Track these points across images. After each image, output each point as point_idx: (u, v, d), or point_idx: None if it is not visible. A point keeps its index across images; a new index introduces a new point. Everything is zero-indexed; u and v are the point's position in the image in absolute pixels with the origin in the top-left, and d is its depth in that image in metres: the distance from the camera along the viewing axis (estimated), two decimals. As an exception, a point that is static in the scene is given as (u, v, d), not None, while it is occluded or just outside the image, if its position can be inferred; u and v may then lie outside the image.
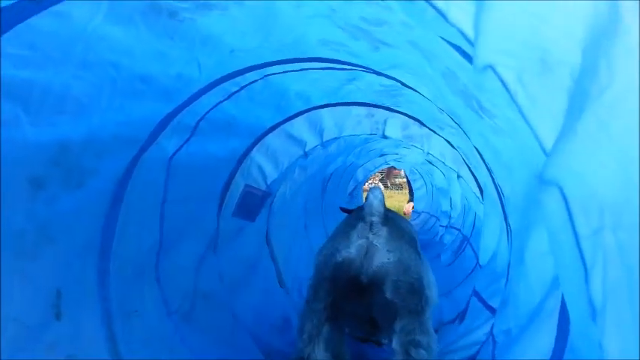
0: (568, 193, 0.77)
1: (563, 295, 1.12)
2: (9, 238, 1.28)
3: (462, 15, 0.95)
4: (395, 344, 1.55)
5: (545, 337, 1.23)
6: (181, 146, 1.89)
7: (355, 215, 1.82)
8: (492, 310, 2.01)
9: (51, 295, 1.44)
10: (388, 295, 1.59)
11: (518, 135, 0.99)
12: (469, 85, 1.22)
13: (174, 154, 1.89)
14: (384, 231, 1.67)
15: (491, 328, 1.83)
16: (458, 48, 1.09)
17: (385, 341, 1.83)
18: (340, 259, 1.66)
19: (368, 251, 1.65)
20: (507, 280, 1.78)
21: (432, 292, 1.76)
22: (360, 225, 1.68)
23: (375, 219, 1.67)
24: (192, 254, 2.12)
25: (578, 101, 0.74)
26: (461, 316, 2.48)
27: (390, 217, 1.76)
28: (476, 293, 2.32)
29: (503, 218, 1.93)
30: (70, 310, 1.46)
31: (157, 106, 1.67)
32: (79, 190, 1.48)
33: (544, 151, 0.90)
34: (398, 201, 9.17)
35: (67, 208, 1.47)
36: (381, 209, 1.67)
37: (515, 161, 1.20)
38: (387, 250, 1.65)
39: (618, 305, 0.71)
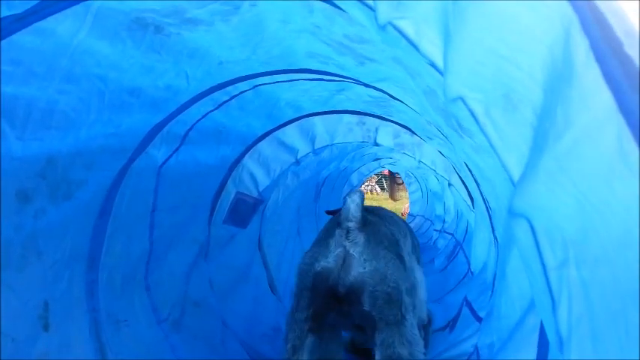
0: (535, 225, 0.79)
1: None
2: (-3, 251, 1.28)
3: (432, 48, 0.98)
4: (377, 357, 1.53)
5: (525, 354, 1.24)
6: (171, 155, 1.90)
7: (334, 220, 1.76)
8: (481, 321, 2.02)
9: (38, 307, 1.45)
10: (366, 306, 1.56)
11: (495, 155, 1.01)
12: (447, 104, 1.24)
13: (163, 163, 1.90)
14: (361, 238, 1.62)
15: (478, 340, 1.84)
16: (435, 66, 1.11)
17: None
18: (319, 268, 1.62)
19: (345, 261, 1.60)
20: (492, 292, 1.79)
21: (415, 296, 1.73)
22: (338, 232, 1.63)
23: (351, 225, 1.61)
24: (182, 262, 2.13)
25: (541, 140, 0.76)
26: (451, 325, 2.49)
27: (370, 221, 1.70)
28: (467, 303, 2.34)
29: (491, 229, 1.94)
30: (59, 321, 1.48)
31: (146, 117, 1.68)
32: (66, 202, 1.49)
33: (512, 181, 0.92)
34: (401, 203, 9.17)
35: (55, 220, 1.47)
36: (358, 214, 1.61)
37: (496, 178, 1.21)
38: (364, 260, 1.60)
39: (581, 339, 0.72)
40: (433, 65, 1.03)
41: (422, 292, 1.81)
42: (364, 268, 1.59)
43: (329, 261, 1.61)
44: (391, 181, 7.92)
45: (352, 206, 1.60)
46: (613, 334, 0.67)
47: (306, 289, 1.64)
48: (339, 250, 1.61)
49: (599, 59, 0.61)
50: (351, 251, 1.60)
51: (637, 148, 0.57)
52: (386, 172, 8.47)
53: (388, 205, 7.68)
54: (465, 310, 2.23)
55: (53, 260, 1.50)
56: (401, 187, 7.89)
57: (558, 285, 0.78)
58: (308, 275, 1.64)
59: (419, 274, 1.87)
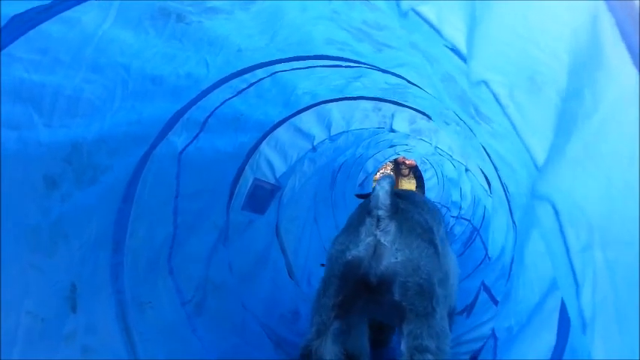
0: (559, 208, 0.79)
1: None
2: (25, 234, 1.33)
3: (455, 32, 0.98)
4: (402, 347, 1.51)
5: (545, 336, 1.24)
6: (191, 142, 1.93)
7: (364, 207, 1.71)
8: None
9: (66, 289, 1.49)
10: (397, 297, 1.54)
11: (516, 139, 1.02)
12: (467, 91, 1.24)
13: (183, 149, 1.93)
14: (392, 226, 1.57)
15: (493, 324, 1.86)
16: (457, 52, 1.11)
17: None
18: (350, 257, 1.60)
19: (376, 250, 1.57)
20: (509, 276, 1.80)
21: (447, 287, 1.70)
22: (368, 220, 1.59)
23: (381, 213, 1.56)
24: (203, 246, 2.17)
25: (566, 122, 0.76)
26: (469, 309, 2.51)
27: (402, 208, 1.66)
28: (485, 287, 2.35)
29: (509, 214, 1.94)
30: (85, 302, 1.52)
31: (167, 105, 1.71)
32: (91, 186, 1.53)
33: (535, 163, 0.93)
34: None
35: (80, 204, 1.52)
36: (388, 201, 1.56)
37: (516, 163, 1.21)
38: (396, 249, 1.56)
39: (606, 321, 0.73)
40: (455, 50, 1.03)
41: (454, 280, 1.77)
42: (396, 258, 1.56)
43: (360, 250, 1.58)
44: (396, 172, 7.87)
45: (381, 193, 1.56)
46: (638, 315, 0.68)
47: (336, 276, 1.62)
48: (370, 239, 1.58)
49: (625, 37, 0.62)
50: (382, 240, 1.57)
51: None
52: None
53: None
54: (483, 295, 2.24)
55: (79, 244, 1.55)
56: (405, 178, 7.86)
57: (582, 267, 0.79)
58: (338, 263, 1.62)
59: (452, 261, 1.83)
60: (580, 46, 0.74)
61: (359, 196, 2.09)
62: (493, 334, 1.71)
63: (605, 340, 0.74)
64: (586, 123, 0.69)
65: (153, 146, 1.77)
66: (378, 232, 1.57)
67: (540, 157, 0.96)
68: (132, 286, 1.73)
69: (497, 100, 1.03)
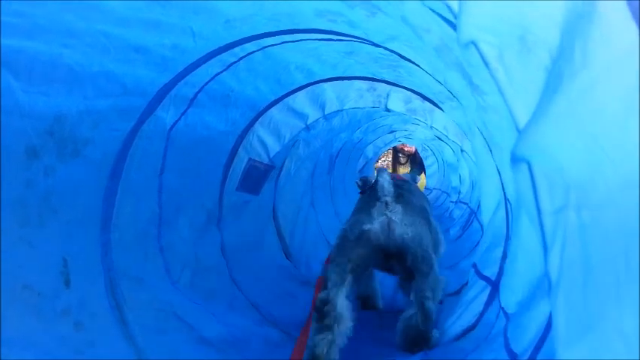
0: (535, 169, 0.78)
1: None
2: (10, 206, 1.31)
3: None
4: (412, 297, 1.93)
5: (543, 307, 1.23)
6: (179, 118, 1.91)
7: (370, 195, 2.05)
8: (487, 280, 2.02)
9: (58, 263, 1.48)
10: (408, 263, 1.94)
11: (505, 113, 0.99)
12: (461, 59, 1.21)
13: (172, 125, 1.90)
14: (398, 208, 1.95)
15: (498, 301, 1.83)
16: (448, 21, 1.09)
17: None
18: (366, 228, 1.93)
19: (389, 226, 1.93)
20: (506, 252, 1.78)
21: (438, 251, 2.12)
22: (378, 204, 1.94)
23: (388, 198, 1.93)
24: (192, 226, 2.15)
25: (553, 82, 0.73)
26: (460, 290, 2.48)
27: (401, 194, 2.01)
28: (473, 264, 2.32)
29: (502, 190, 1.91)
30: (77, 278, 1.51)
31: (153, 76, 1.68)
32: (74, 160, 1.50)
33: (517, 129, 0.90)
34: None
35: (65, 178, 1.50)
36: (391, 189, 1.95)
37: (503, 138, 1.19)
38: (405, 225, 1.93)
39: (571, 283, 0.72)
40: (450, 10, 1.00)
41: (441, 247, 2.20)
42: (408, 233, 1.93)
43: (374, 225, 1.93)
44: (394, 160, 7.92)
45: (385, 184, 1.94)
46: (609, 276, 0.66)
47: (350, 241, 1.95)
48: (383, 217, 1.93)
49: None
50: (393, 218, 1.93)
51: None
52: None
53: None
54: (472, 272, 2.22)
55: (68, 218, 1.53)
56: (403, 165, 7.89)
57: (553, 230, 0.77)
58: (353, 232, 1.95)
59: (440, 231, 2.24)
60: (575, 3, 0.71)
61: (362, 191, 2.29)
62: (503, 312, 1.68)
63: (567, 302, 0.72)
64: (573, 80, 0.66)
65: (140, 121, 1.75)
66: (388, 213, 1.93)
67: (523, 121, 0.93)
68: (122, 263, 1.71)
69: (485, 63, 1.00)
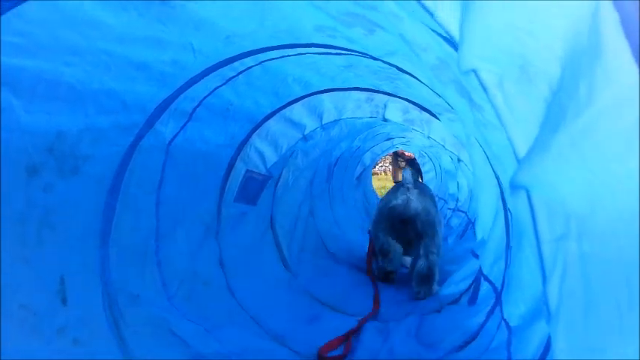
0: (534, 198, 0.79)
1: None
2: (10, 225, 1.31)
3: (449, 16, 0.97)
4: (421, 252, 2.83)
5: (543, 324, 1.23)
6: (179, 132, 1.91)
7: (399, 185, 3.12)
8: (493, 287, 2.03)
9: (55, 282, 1.47)
10: (419, 227, 2.87)
11: (502, 129, 1.00)
12: (460, 77, 1.22)
13: (172, 139, 1.91)
14: (415, 191, 2.94)
15: (501, 313, 1.84)
16: (446, 39, 1.09)
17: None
18: (393, 204, 2.96)
19: (408, 202, 2.91)
20: (508, 263, 1.79)
21: (440, 225, 3.00)
22: (401, 189, 2.98)
23: (409, 185, 2.95)
24: (190, 240, 2.15)
25: (555, 116, 0.74)
26: (472, 297, 2.48)
27: (418, 185, 3.09)
28: (485, 277, 2.33)
29: (501, 200, 1.92)
30: (75, 295, 1.50)
31: (153, 92, 1.68)
32: (74, 176, 1.50)
33: (516, 156, 0.91)
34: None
35: (65, 195, 1.50)
36: (411, 179, 2.98)
37: (503, 153, 1.20)
38: (417, 201, 2.91)
39: (572, 313, 0.72)
40: (446, 38, 1.02)
41: (442, 225, 3.10)
42: (418, 206, 2.90)
43: (398, 202, 2.95)
44: (394, 163, 7.96)
45: (407, 177, 2.98)
46: (611, 307, 0.67)
47: (384, 215, 3.03)
48: (404, 196, 2.93)
49: (629, 35, 0.60)
50: (411, 197, 2.92)
51: None
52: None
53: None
54: (485, 284, 2.23)
55: (67, 236, 1.53)
56: (402, 170, 7.93)
57: (552, 258, 0.79)
58: (386, 209, 3.02)
59: (440, 215, 3.17)
60: (578, 39, 0.71)
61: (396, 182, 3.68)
62: (505, 324, 1.69)
63: (568, 332, 0.73)
64: (577, 117, 0.67)
65: (139, 136, 1.75)
66: (408, 194, 2.93)
67: (522, 149, 0.95)
68: (119, 279, 1.71)
69: (484, 89, 1.01)
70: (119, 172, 1.71)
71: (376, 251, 3.14)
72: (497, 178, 1.85)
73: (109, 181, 1.68)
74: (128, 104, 1.58)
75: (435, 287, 2.80)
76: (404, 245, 3.06)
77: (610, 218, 0.69)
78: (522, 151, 0.93)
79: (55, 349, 1.40)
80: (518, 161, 0.93)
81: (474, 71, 0.97)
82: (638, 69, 0.59)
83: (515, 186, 0.86)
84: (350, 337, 2.22)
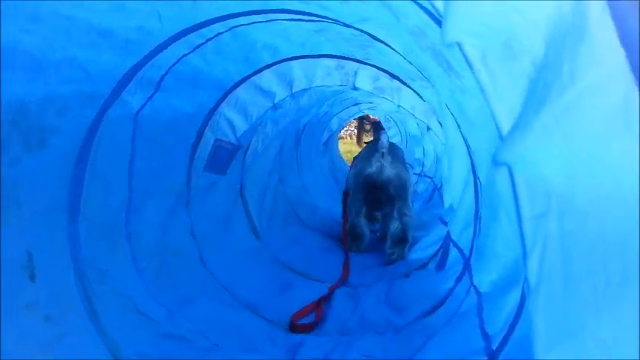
0: (517, 175, 0.80)
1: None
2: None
3: None
4: (395, 214, 2.99)
5: (514, 293, 1.27)
6: (147, 102, 1.84)
7: (371, 146, 3.20)
8: (462, 253, 2.09)
9: (22, 258, 1.43)
10: (392, 191, 3.01)
11: (480, 97, 1.00)
12: (438, 45, 1.21)
13: (139, 110, 1.84)
14: (389, 158, 3.01)
15: (470, 279, 1.90)
16: (426, 9, 1.08)
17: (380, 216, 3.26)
18: (368, 172, 3.03)
19: (381, 169, 3.01)
20: (478, 231, 1.83)
21: (410, 188, 3.14)
22: (376, 154, 3.01)
23: (384, 150, 2.99)
24: (160, 211, 2.11)
25: (538, 93, 0.75)
26: (440, 264, 2.55)
27: (391, 149, 3.06)
28: (454, 243, 2.38)
29: (470, 170, 1.95)
30: (45, 271, 1.45)
31: (118, 60, 1.61)
32: (41, 150, 1.44)
33: (499, 132, 0.92)
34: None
35: (31, 169, 1.43)
36: (387, 144, 3.02)
37: (478, 120, 1.21)
38: (391, 168, 3.00)
39: (552, 289, 0.74)
40: (427, 10, 1.00)
41: (411, 187, 3.21)
42: (392, 173, 3.01)
43: (373, 169, 3.02)
44: (359, 128, 7.94)
45: (384, 140, 3.00)
46: (589, 285, 0.69)
47: (360, 184, 3.10)
48: (378, 163, 3.01)
49: (616, 17, 0.60)
50: (385, 164, 3.00)
51: None
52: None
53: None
54: (454, 250, 2.29)
55: (33, 211, 1.47)
56: (367, 133, 7.95)
57: (533, 234, 0.80)
58: (361, 176, 3.08)
59: (411, 177, 3.32)
60: (563, 19, 0.71)
61: (365, 143, 3.66)
62: (474, 290, 1.74)
63: (548, 308, 0.75)
64: (560, 95, 0.67)
65: (106, 106, 1.67)
66: (382, 160, 3.01)
67: (505, 125, 0.95)
68: (90, 254, 1.66)
69: (468, 63, 1.00)
70: (86, 145, 1.64)
71: (347, 229, 3.20)
72: (468, 147, 1.87)
73: (75, 153, 1.61)
74: (92, 73, 1.51)
75: (407, 249, 2.94)
76: (376, 209, 3.17)
77: (589, 198, 0.70)
78: (505, 125, 0.94)
79: (25, 325, 1.37)
80: (501, 137, 0.94)
81: (458, 44, 0.97)
82: (624, 52, 0.60)
83: (497, 162, 0.87)
84: (321, 304, 2.25)
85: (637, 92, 0.57)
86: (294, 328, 2.03)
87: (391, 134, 6.81)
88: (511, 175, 0.84)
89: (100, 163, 1.70)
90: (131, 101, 1.75)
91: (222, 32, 1.89)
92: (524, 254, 0.81)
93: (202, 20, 1.76)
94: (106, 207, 1.77)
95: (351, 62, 2.63)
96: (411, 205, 3.06)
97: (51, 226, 1.54)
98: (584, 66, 0.65)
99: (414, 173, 5.38)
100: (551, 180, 0.76)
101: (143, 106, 1.81)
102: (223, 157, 2.63)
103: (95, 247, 1.69)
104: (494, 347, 1.35)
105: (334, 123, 5.41)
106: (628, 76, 0.58)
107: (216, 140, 2.50)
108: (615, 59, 0.60)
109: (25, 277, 1.43)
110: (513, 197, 0.84)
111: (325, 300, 2.31)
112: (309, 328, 2.04)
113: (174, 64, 1.85)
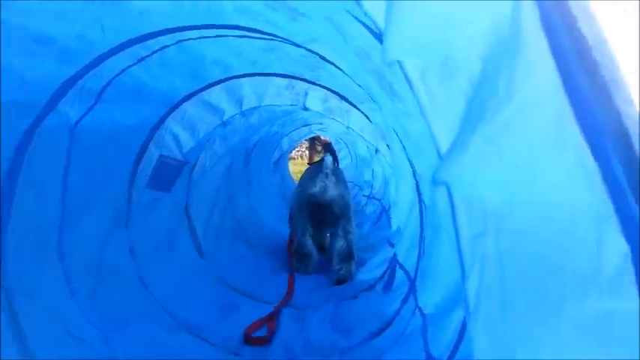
0: (455, 196, 0.80)
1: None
2: None
3: (375, 6, 0.95)
4: (340, 232, 3.02)
5: (457, 314, 1.28)
6: (85, 113, 1.76)
7: (315, 168, 3.25)
8: (407, 275, 2.10)
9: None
10: (336, 210, 3.06)
11: (422, 120, 1.01)
12: (381, 67, 1.22)
13: (77, 121, 1.76)
14: (332, 178, 3.07)
15: (415, 301, 1.90)
16: (370, 30, 1.08)
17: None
18: (312, 192, 3.08)
19: (325, 189, 3.06)
20: (422, 253, 1.85)
21: (352, 208, 3.19)
22: (320, 175, 3.06)
23: (328, 171, 3.05)
24: (97, 228, 2.01)
25: (475, 113, 0.75)
26: (387, 285, 2.56)
27: (334, 171, 3.13)
28: (400, 264, 2.40)
29: (416, 192, 1.98)
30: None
31: (56, 69, 1.54)
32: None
33: (438, 151, 0.93)
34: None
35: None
36: (331, 167, 3.07)
37: (422, 142, 1.22)
38: (335, 188, 3.07)
39: (490, 310, 0.74)
40: (370, 29, 1.01)
41: (353, 207, 3.25)
42: (335, 193, 3.06)
43: (316, 189, 3.06)
44: (310, 148, 7.98)
45: (328, 161, 3.05)
46: (526, 303, 0.69)
47: (304, 203, 3.13)
48: (322, 183, 3.06)
49: (549, 32, 0.60)
50: (328, 184, 3.06)
51: (576, 126, 0.57)
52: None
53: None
54: (399, 272, 2.30)
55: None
56: (319, 154, 8.03)
57: (471, 255, 0.80)
58: (304, 196, 3.12)
59: (350, 198, 3.32)
60: (500, 35, 0.72)
61: (310, 164, 3.83)
62: (419, 312, 1.74)
63: (487, 330, 0.75)
64: (496, 114, 0.68)
65: (41, 116, 1.59)
66: (326, 180, 3.06)
67: (444, 145, 0.96)
68: (18, 272, 1.56)
69: (408, 81, 1.01)
70: (17, 155, 1.55)
71: (292, 249, 3.20)
72: (414, 169, 1.90)
73: (8, 164, 1.52)
74: (27, 81, 1.43)
75: (354, 267, 2.96)
76: (321, 229, 3.24)
77: (525, 216, 0.71)
78: (444, 145, 0.95)
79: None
80: (440, 157, 0.94)
81: (399, 63, 0.98)
82: (556, 68, 0.61)
83: (436, 182, 0.88)
84: (274, 317, 2.23)
85: (571, 111, 0.58)
86: (248, 340, 2.04)
87: (341, 156, 6.87)
88: (450, 194, 0.84)
89: (33, 176, 1.60)
90: (69, 112, 1.68)
91: (169, 45, 1.85)
92: (463, 274, 0.81)
93: (148, 32, 1.71)
94: (37, 221, 1.67)
95: (301, 82, 2.64)
96: (354, 224, 3.11)
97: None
98: (520, 81, 0.66)
99: (363, 195, 5.44)
100: (487, 199, 0.76)
101: (82, 117, 1.74)
102: (168, 173, 2.56)
103: (24, 264, 1.59)
104: (439, 369, 1.35)
105: (285, 143, 5.40)
106: (561, 94, 0.59)
107: (160, 156, 2.43)
108: (548, 76, 0.61)
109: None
110: (452, 217, 0.84)
111: (275, 316, 2.27)
112: (263, 341, 2.04)
113: (116, 76, 1.79)
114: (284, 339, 2.10)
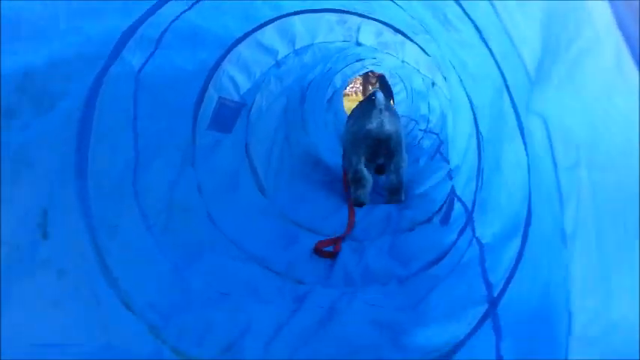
0: (550, 125, 0.80)
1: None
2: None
3: None
4: (392, 167, 3.22)
5: (515, 243, 1.30)
6: (147, 60, 1.84)
7: (365, 104, 3.43)
8: (465, 207, 2.12)
9: (37, 216, 1.47)
10: (391, 145, 3.20)
11: (480, 49, 1.00)
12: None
13: (140, 68, 1.85)
14: (387, 114, 3.19)
15: (473, 231, 1.93)
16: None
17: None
18: (369, 127, 3.18)
19: (382, 125, 3.18)
20: (480, 185, 1.86)
21: (403, 142, 3.30)
22: (374, 111, 3.17)
23: (382, 107, 3.17)
24: (168, 169, 2.15)
25: (552, 43, 0.75)
26: (444, 218, 2.59)
27: (388, 106, 3.29)
28: (458, 197, 2.41)
29: (473, 124, 1.96)
30: (56, 229, 1.50)
31: (117, 22, 1.61)
32: (49, 113, 1.46)
33: (526, 72, 0.91)
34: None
35: (41, 132, 1.46)
36: (384, 102, 3.20)
37: (480, 73, 1.20)
38: (390, 124, 3.19)
39: (586, 237, 0.76)
40: None
41: (405, 142, 3.38)
42: (391, 128, 3.19)
43: (373, 125, 3.18)
44: (364, 83, 7.80)
45: (381, 97, 3.20)
46: (613, 235, 0.71)
47: (359, 139, 3.23)
48: (378, 119, 3.17)
49: None
50: (384, 120, 3.18)
51: (635, 67, 0.57)
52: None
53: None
54: (458, 205, 2.32)
55: (44, 171, 1.51)
56: (372, 87, 7.84)
57: (568, 184, 0.81)
58: (362, 132, 3.21)
59: (404, 132, 3.50)
60: None
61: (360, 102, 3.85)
62: (477, 241, 1.77)
63: (583, 256, 0.77)
64: (568, 49, 0.68)
65: (106, 67, 1.69)
66: (381, 116, 3.18)
67: (530, 63, 0.95)
68: (99, 211, 1.72)
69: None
70: (89, 105, 1.66)
71: (348, 178, 3.32)
72: (471, 101, 1.88)
73: (80, 114, 1.64)
74: (92, 35, 1.51)
75: (403, 196, 3.24)
76: (374, 163, 3.34)
77: (608, 151, 0.71)
78: (530, 65, 0.94)
79: (40, 282, 1.43)
80: (530, 81, 0.93)
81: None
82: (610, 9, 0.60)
83: (531, 111, 0.88)
84: (340, 240, 2.45)
85: (628, 51, 0.58)
86: (318, 252, 2.36)
87: (396, 90, 6.74)
88: (545, 124, 0.84)
89: (105, 123, 1.72)
90: (132, 60, 1.76)
91: (221, -13, 1.88)
92: (561, 203, 0.82)
93: (200, -24, 1.74)
94: (112, 165, 1.81)
95: (353, 17, 2.59)
96: (405, 156, 3.28)
97: (62, 186, 1.58)
98: (583, 22, 0.66)
99: (420, 129, 5.36)
100: (575, 131, 0.77)
101: (144, 64, 1.82)
102: (228, 115, 2.65)
103: (104, 205, 1.74)
104: (495, 295, 1.40)
105: (338, 79, 5.35)
106: (617, 35, 0.58)
107: (219, 98, 2.51)
108: (605, 17, 0.60)
109: (39, 235, 1.49)
110: (549, 147, 0.84)
111: (341, 239, 2.47)
112: (330, 255, 2.33)
113: (172, 21, 1.85)
114: (343, 267, 2.21)
